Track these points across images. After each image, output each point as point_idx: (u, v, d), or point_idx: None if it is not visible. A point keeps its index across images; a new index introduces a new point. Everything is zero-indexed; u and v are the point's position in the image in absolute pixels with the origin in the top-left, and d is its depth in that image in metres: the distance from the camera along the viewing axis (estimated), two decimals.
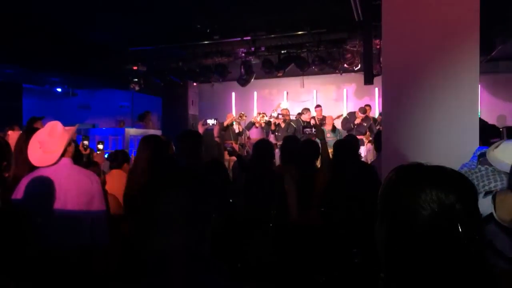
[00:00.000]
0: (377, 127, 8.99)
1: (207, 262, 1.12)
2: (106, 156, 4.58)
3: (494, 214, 1.76)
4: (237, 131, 9.58)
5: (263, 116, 9.54)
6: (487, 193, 1.84)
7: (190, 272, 1.07)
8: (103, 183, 3.40)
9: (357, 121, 9.02)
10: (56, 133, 2.57)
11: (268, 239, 3.34)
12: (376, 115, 10.00)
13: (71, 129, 2.70)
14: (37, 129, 2.79)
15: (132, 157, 4.37)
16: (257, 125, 9.59)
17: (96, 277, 2.64)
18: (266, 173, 3.38)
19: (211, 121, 9.59)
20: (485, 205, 1.78)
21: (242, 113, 9.88)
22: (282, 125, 9.21)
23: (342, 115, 10.06)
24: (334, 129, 9.15)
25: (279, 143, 7.07)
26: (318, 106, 10.02)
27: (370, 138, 8.74)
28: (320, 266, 3.52)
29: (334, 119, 9.50)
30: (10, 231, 1.39)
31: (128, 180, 3.30)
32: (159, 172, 3.03)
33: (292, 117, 9.51)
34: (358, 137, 7.88)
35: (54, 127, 2.59)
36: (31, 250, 1.49)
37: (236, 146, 8.92)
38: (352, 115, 9.31)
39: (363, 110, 9.05)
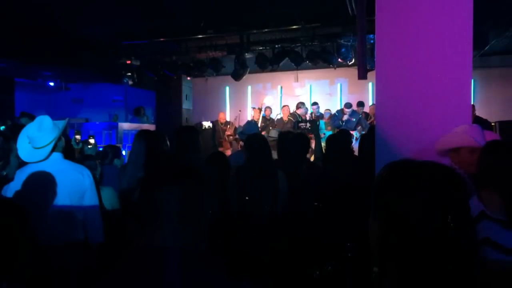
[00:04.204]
0: (369, 121, 9.02)
1: (203, 258, 1.12)
2: (100, 150, 4.56)
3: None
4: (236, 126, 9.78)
5: (259, 111, 9.65)
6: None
7: (186, 268, 1.06)
8: (101, 176, 3.38)
9: (345, 117, 9.08)
10: (45, 128, 2.52)
11: (262, 233, 3.34)
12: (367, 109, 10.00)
13: (61, 123, 2.66)
14: (23, 125, 2.74)
15: (126, 152, 4.35)
16: (253, 119, 9.65)
17: (90, 273, 2.63)
18: (259, 168, 3.36)
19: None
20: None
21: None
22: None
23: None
24: None
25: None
26: (314, 103, 10.02)
27: (362, 132, 8.76)
28: (314, 260, 3.54)
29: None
30: (5, 226, 1.37)
31: (122, 174, 3.27)
32: (155, 167, 3.03)
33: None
34: None
35: (43, 121, 2.54)
36: (26, 246, 1.48)
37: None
38: (340, 112, 9.38)
39: (349, 105, 9.14)
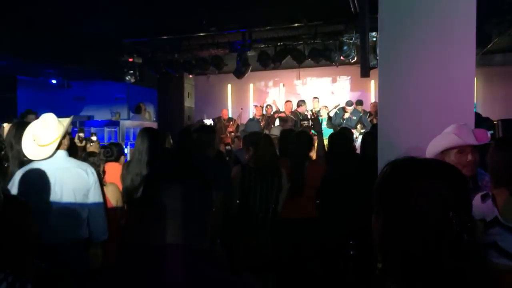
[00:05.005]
0: (369, 119, 9.00)
1: (206, 255, 1.12)
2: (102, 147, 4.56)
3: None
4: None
5: (261, 109, 9.67)
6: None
7: (189, 266, 1.07)
8: (103, 173, 3.39)
9: (346, 115, 9.06)
10: (50, 126, 2.53)
11: (265, 231, 3.35)
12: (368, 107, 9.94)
13: (66, 121, 2.67)
14: (27, 122, 2.74)
15: (129, 149, 4.35)
16: (255, 117, 9.65)
17: (94, 270, 2.64)
18: (265, 167, 3.36)
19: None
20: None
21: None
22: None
23: (339, 105, 9.94)
24: (330, 118, 9.28)
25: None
26: (315, 97, 10.04)
27: (362, 131, 8.73)
28: (316, 258, 3.55)
29: (330, 110, 9.55)
30: (13, 223, 1.38)
31: (126, 172, 3.28)
32: (158, 164, 3.04)
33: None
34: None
35: (47, 119, 2.55)
36: (33, 242, 1.48)
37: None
38: (341, 110, 9.36)
39: (350, 103, 9.12)
